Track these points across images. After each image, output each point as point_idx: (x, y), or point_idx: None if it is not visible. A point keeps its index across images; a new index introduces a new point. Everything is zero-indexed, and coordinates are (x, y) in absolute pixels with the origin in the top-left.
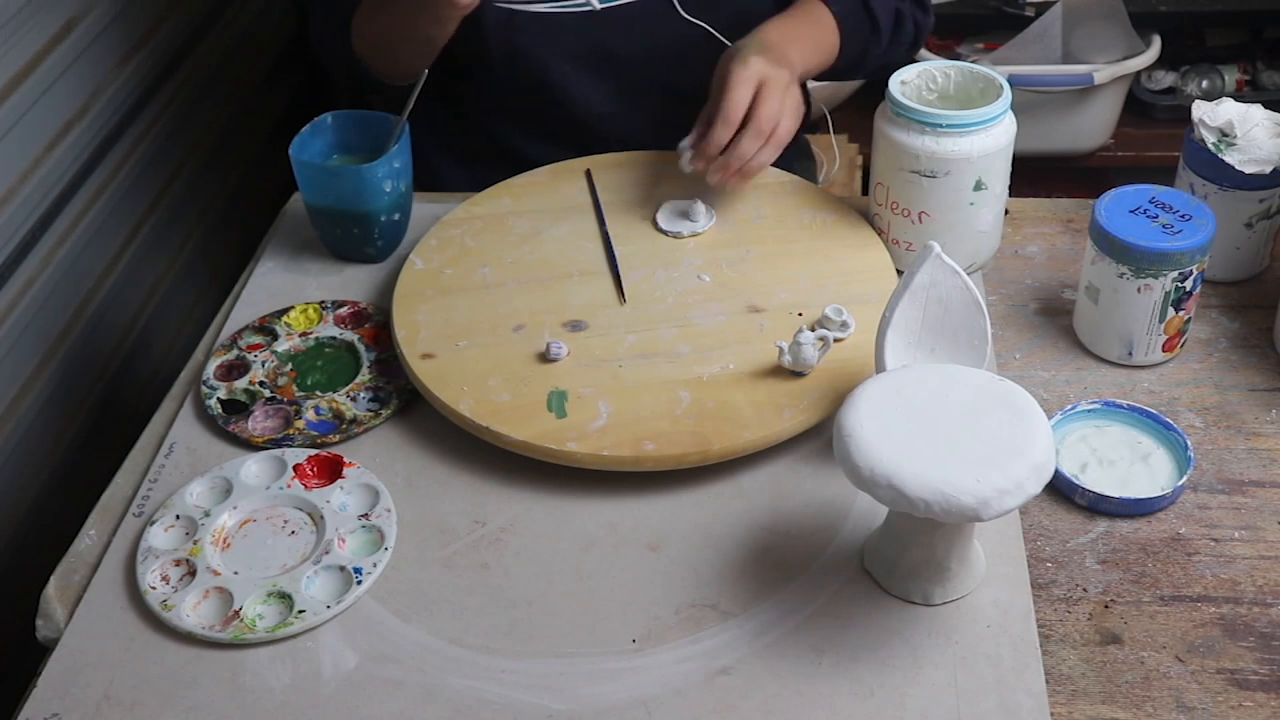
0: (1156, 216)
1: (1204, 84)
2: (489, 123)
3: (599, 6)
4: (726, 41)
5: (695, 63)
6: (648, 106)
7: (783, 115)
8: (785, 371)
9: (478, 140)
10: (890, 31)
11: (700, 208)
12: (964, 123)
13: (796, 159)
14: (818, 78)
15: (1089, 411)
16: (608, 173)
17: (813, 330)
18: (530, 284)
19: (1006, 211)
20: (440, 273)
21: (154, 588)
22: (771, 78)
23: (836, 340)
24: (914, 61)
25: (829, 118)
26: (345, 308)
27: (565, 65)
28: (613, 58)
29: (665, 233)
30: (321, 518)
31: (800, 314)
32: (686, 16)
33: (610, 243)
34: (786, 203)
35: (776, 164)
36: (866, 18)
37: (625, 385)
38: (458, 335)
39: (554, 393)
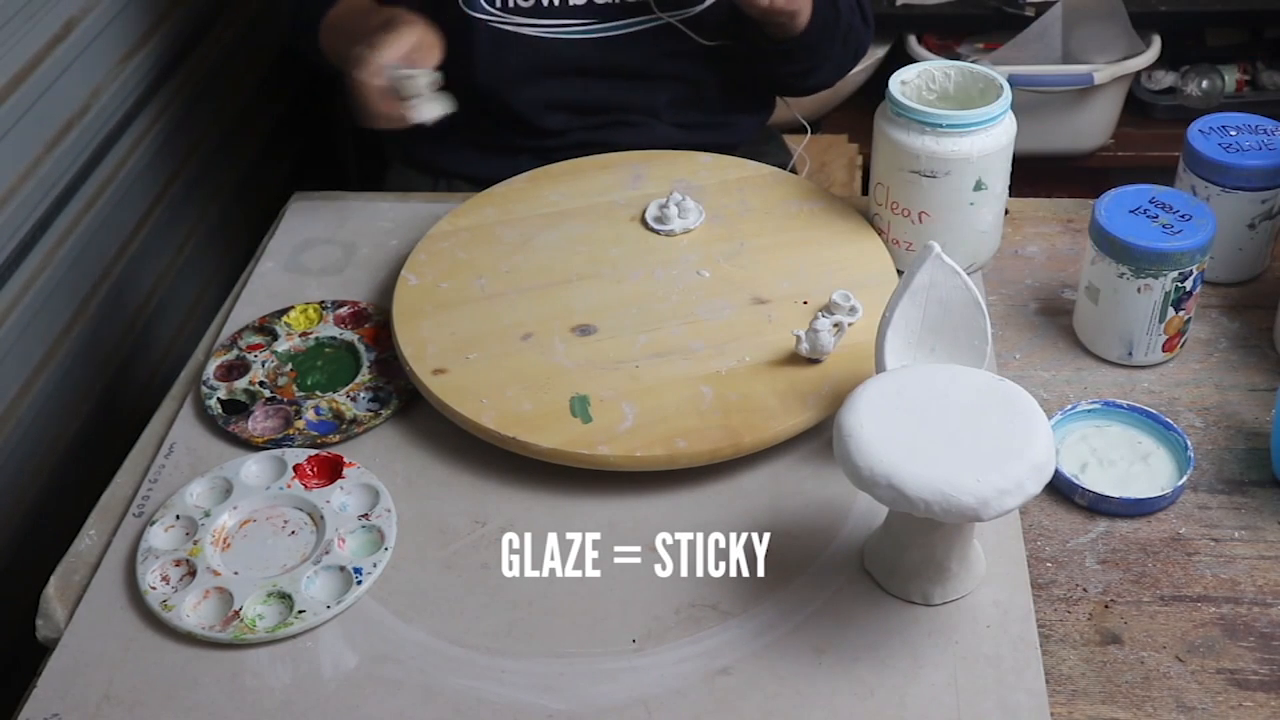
0: (1156, 216)
1: (1204, 84)
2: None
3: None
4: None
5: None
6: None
7: None
8: (801, 360)
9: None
10: (845, 28)
11: (689, 204)
12: (964, 123)
13: (774, 155)
14: (777, 36)
15: (1089, 411)
16: (592, 175)
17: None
18: (530, 291)
19: (1006, 211)
20: (436, 287)
21: (154, 588)
22: None
23: (849, 324)
24: (911, 67)
25: (808, 126)
26: (345, 308)
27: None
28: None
29: (657, 231)
30: (321, 518)
31: (805, 302)
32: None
33: None
34: (771, 194)
35: (753, 156)
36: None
37: (645, 385)
38: (466, 348)
39: (576, 398)
